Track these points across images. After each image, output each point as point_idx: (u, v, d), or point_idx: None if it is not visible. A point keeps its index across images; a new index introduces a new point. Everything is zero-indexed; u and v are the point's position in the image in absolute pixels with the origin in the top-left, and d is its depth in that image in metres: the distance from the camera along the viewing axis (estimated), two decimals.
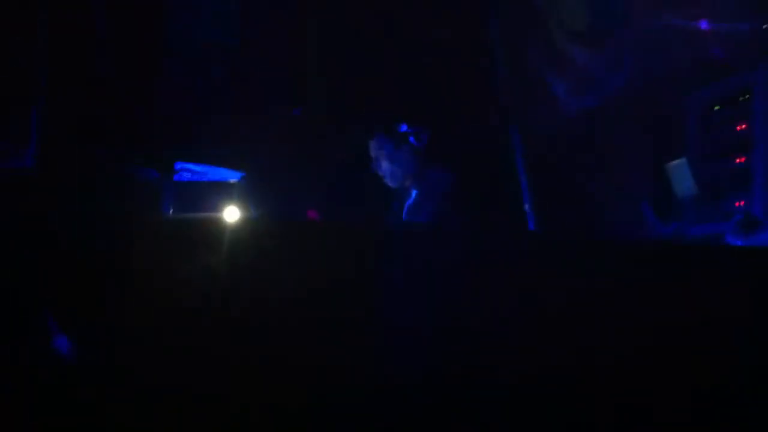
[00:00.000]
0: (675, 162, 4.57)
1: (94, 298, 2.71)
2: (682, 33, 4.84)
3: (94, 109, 4.61)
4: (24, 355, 2.59)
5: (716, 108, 4.90)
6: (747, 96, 4.71)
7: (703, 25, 4.80)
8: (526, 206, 5.22)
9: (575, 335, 2.70)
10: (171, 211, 4.89)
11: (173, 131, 5.10)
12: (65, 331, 2.65)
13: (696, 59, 4.92)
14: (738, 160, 4.69)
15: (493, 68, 5.33)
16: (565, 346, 2.65)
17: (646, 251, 3.29)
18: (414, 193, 4.57)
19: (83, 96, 4.57)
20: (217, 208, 5.11)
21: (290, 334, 2.67)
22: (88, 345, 2.64)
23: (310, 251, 2.98)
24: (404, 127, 4.51)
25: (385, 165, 4.54)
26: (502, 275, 2.96)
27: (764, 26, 4.62)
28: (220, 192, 5.28)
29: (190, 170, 5.20)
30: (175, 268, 2.75)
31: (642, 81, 4.88)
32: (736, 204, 4.63)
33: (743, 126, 4.69)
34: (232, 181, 5.37)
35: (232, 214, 5.00)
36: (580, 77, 5.04)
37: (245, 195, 5.29)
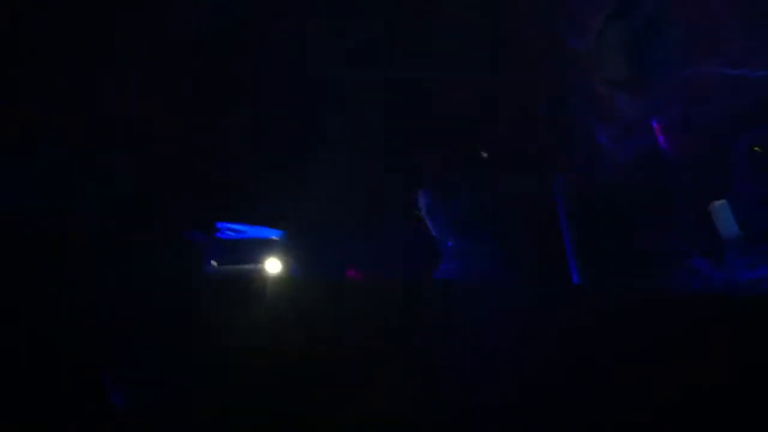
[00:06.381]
0: (717, 203, 4.48)
1: (151, 347, 2.77)
2: (723, 80, 4.81)
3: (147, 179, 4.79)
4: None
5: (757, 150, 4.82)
6: None
7: (744, 71, 4.78)
8: (571, 258, 5.12)
9: (618, 391, 2.62)
10: (216, 267, 4.98)
11: (217, 193, 5.22)
12: (120, 381, 2.70)
13: (736, 105, 4.87)
14: None
15: (535, 118, 5.33)
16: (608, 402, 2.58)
17: (699, 304, 3.20)
18: (454, 243, 4.58)
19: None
20: (258, 262, 5.18)
21: (327, 383, 2.66)
22: (144, 391, 2.69)
23: (351, 307, 2.98)
24: (450, 179, 4.60)
25: (430, 216, 4.61)
26: (548, 329, 2.89)
27: None
28: (262, 248, 5.34)
29: (232, 229, 5.30)
30: (220, 317, 2.80)
31: (684, 127, 4.85)
32: None
33: None
34: (273, 237, 5.45)
35: (273, 266, 5.08)
36: (622, 125, 5.03)
37: (286, 251, 5.33)
